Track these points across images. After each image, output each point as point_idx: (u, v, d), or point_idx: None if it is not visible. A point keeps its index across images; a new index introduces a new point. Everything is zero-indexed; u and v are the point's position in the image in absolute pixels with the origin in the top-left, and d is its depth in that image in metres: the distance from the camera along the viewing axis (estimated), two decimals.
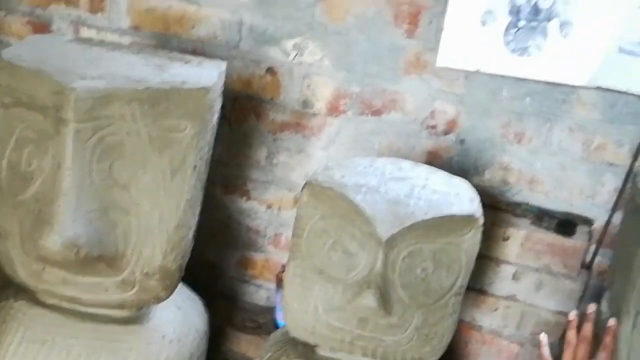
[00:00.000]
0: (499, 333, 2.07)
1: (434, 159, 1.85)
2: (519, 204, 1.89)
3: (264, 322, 2.19)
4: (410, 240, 1.38)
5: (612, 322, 1.40)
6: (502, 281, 1.99)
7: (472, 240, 1.42)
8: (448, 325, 1.48)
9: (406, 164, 1.57)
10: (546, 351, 1.46)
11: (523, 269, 1.96)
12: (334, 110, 1.89)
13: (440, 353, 1.51)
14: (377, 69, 1.81)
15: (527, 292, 1.99)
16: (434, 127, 1.85)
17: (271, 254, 2.15)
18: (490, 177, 1.88)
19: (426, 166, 1.60)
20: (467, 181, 1.57)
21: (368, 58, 1.81)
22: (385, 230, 1.36)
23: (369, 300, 1.38)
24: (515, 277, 1.97)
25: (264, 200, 2.07)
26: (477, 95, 1.79)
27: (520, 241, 1.92)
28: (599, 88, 1.69)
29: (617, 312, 1.37)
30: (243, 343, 2.21)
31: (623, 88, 1.67)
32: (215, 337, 1.90)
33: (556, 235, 1.89)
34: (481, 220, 1.42)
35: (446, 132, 1.85)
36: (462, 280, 1.45)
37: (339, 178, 1.45)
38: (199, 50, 1.85)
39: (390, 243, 1.36)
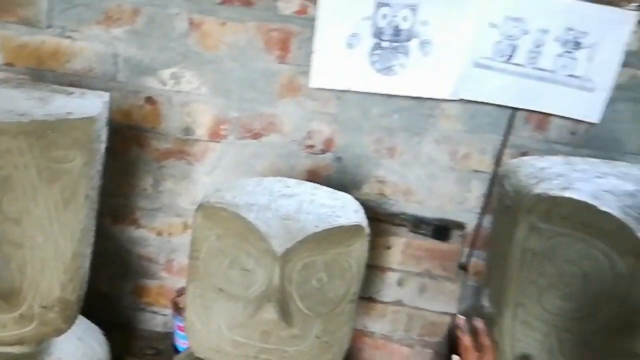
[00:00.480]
0: (389, 337, 2.12)
1: (314, 178, 1.88)
2: (397, 214, 1.95)
3: (163, 348, 2.14)
4: (304, 253, 1.40)
5: (479, 324, 1.45)
6: (388, 288, 2.04)
7: (360, 248, 1.46)
8: (346, 332, 1.51)
9: (292, 182, 1.60)
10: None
11: (406, 274, 2.02)
12: (214, 135, 1.90)
13: (340, 359, 1.53)
14: (254, 94, 1.84)
15: (412, 296, 2.05)
16: (311, 146, 1.89)
17: (165, 280, 2.12)
18: (368, 190, 1.93)
19: (310, 183, 1.63)
20: (349, 195, 1.60)
21: (244, 84, 1.83)
22: (279, 246, 1.37)
23: (270, 313, 1.39)
24: (400, 283, 2.03)
25: (154, 228, 2.04)
26: (350, 114, 1.84)
27: (401, 248, 1.98)
28: (459, 101, 1.78)
29: (497, 306, 1.42)
30: None
31: (481, 99, 1.76)
32: None
33: (433, 240, 1.96)
34: (367, 230, 1.46)
35: (323, 151, 1.89)
36: (355, 287, 1.48)
37: (231, 199, 1.45)
38: (76, 84, 1.80)
39: (285, 257, 1.38)
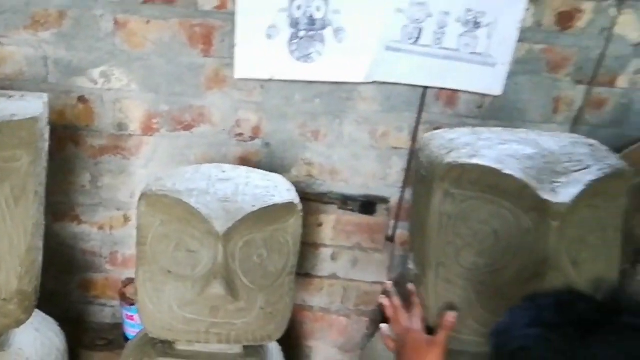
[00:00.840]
0: (327, 310, 2.15)
1: (245, 164, 1.87)
2: (325, 194, 1.98)
3: (113, 338, 2.13)
4: (244, 232, 1.43)
5: (410, 286, 1.49)
6: (322, 263, 2.07)
7: (295, 224, 1.49)
8: (287, 302, 1.54)
9: (227, 167, 1.62)
10: (386, 331, 1.50)
11: (339, 249, 2.05)
12: (147, 130, 1.89)
13: (284, 328, 1.56)
14: (182, 88, 1.83)
15: (346, 269, 2.08)
16: (241, 134, 1.89)
17: (110, 273, 2.10)
18: (297, 173, 1.95)
19: (244, 167, 1.65)
20: (281, 176, 1.62)
21: (171, 78, 1.82)
22: (221, 226, 1.40)
23: (217, 289, 1.42)
24: (333, 257, 2.06)
25: (95, 223, 2.02)
26: (274, 101, 1.85)
27: (332, 225, 2.02)
28: (374, 83, 1.81)
29: (421, 268, 1.46)
30: None
31: (394, 80, 1.80)
32: None
33: (361, 215, 2.00)
34: (300, 206, 1.49)
35: (252, 138, 1.90)
36: (293, 260, 1.52)
37: (172, 186, 1.46)
38: (8, 88, 1.75)
39: (227, 236, 1.41)
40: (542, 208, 1.28)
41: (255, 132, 1.89)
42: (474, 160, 1.33)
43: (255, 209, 1.43)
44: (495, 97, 1.83)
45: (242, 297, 1.46)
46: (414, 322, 1.42)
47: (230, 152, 1.91)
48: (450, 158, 1.35)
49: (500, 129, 1.50)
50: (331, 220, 2.00)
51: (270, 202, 1.45)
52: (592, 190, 1.30)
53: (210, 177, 1.52)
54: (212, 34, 1.76)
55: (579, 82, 1.85)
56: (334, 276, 2.08)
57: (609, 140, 1.80)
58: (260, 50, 1.72)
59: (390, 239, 2.03)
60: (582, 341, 0.80)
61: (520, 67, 1.81)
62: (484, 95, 1.83)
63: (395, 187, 1.97)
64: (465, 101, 1.86)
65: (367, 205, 1.98)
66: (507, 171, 1.30)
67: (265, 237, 1.46)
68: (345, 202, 1.98)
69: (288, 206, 1.47)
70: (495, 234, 1.34)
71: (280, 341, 1.73)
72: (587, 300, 0.87)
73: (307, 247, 2.01)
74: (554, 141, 1.42)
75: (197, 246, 1.43)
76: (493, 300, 1.37)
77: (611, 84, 1.85)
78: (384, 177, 1.95)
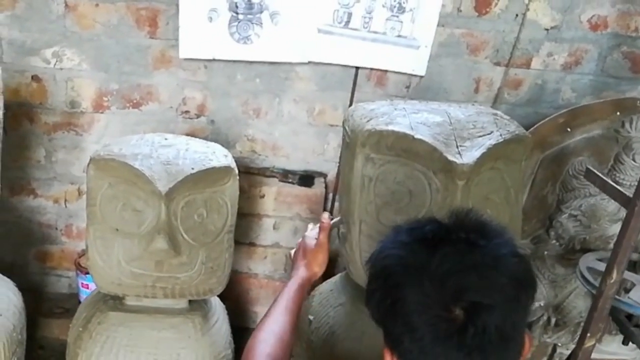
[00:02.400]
0: (271, 277, 2.25)
1: None
2: (267, 168, 2.09)
3: (70, 307, 2.19)
4: (185, 192, 1.53)
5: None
6: (265, 233, 2.17)
7: (232, 187, 1.59)
8: (226, 258, 1.64)
9: (169, 136, 1.70)
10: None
11: (280, 219, 2.15)
12: (99, 107, 1.97)
13: (224, 283, 1.65)
14: (130, 67, 1.92)
15: (287, 238, 2.18)
16: (187, 112, 1.99)
17: (66, 244, 2.18)
18: (241, 149, 2.05)
19: (185, 136, 1.74)
20: (219, 145, 1.70)
21: (120, 59, 1.91)
22: (163, 186, 1.49)
23: (161, 243, 1.51)
24: (275, 227, 2.16)
25: (50, 196, 2.09)
26: (217, 80, 1.95)
27: (273, 196, 2.11)
28: (309, 64, 1.92)
29: (347, 226, 1.55)
30: (55, 328, 2.19)
31: (327, 61, 1.92)
32: (27, 328, 1.88)
33: (300, 187, 2.10)
34: (236, 171, 1.59)
35: (198, 115, 2.00)
36: (231, 220, 1.62)
37: (118, 151, 1.55)
38: None
39: (169, 196, 1.50)
40: (449, 169, 1.39)
41: (201, 110, 1.99)
42: (390, 127, 1.44)
43: (194, 171, 1.52)
44: (421, 77, 1.95)
45: (184, 252, 1.56)
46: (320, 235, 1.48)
47: (178, 128, 2.00)
48: (369, 125, 1.45)
49: (415, 100, 1.62)
50: (273, 192, 2.09)
51: (209, 166, 1.55)
52: (494, 153, 1.41)
53: (153, 143, 1.61)
54: (157, 16, 1.85)
55: (497, 64, 1.97)
56: (276, 245, 2.18)
57: (526, 118, 1.95)
58: (202, 32, 1.82)
59: (330, 212, 2.14)
60: (427, 255, 0.91)
61: (444, 50, 1.93)
62: (411, 76, 1.95)
63: (333, 162, 2.07)
64: (394, 82, 1.97)
65: (306, 178, 2.08)
66: (418, 136, 1.41)
67: (204, 198, 1.55)
68: (285, 175, 2.08)
69: (225, 169, 1.57)
70: (410, 194, 1.44)
71: (228, 307, 1.82)
72: (434, 222, 0.97)
73: (251, 217, 2.11)
74: (461, 111, 1.53)
75: (142, 205, 1.52)
76: None
77: (527, 65, 1.98)
78: (321, 153, 2.06)
